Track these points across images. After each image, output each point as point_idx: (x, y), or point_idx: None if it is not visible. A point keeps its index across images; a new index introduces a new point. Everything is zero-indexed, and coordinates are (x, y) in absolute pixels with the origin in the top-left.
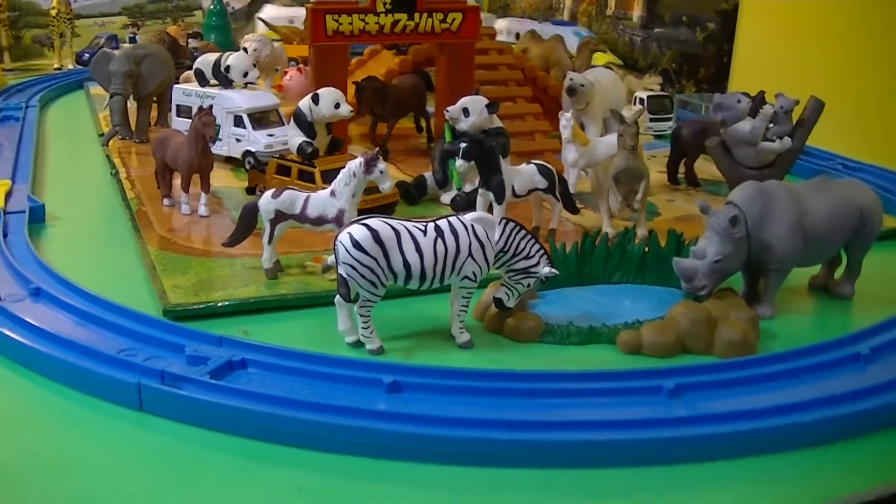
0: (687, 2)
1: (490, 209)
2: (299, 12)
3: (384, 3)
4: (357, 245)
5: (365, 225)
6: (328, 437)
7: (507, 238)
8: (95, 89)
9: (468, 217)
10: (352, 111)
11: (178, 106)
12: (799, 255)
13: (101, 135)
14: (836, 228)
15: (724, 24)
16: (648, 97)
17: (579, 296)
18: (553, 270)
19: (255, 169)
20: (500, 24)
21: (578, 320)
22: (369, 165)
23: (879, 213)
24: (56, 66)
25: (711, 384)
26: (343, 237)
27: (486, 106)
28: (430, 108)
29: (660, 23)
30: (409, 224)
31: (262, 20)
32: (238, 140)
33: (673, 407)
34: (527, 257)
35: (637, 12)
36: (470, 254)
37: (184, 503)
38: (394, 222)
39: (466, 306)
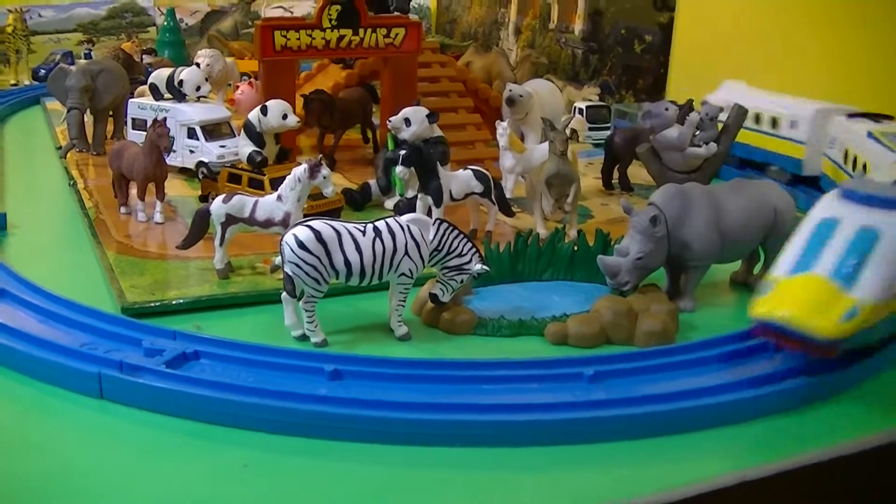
0: (627, 16)
1: (429, 213)
2: None
3: (330, 19)
4: (301, 245)
5: (308, 226)
6: (274, 419)
7: (441, 237)
8: (52, 104)
9: (404, 218)
10: (299, 122)
11: (133, 119)
12: (716, 251)
13: (59, 148)
14: (751, 226)
15: (662, 36)
16: (587, 107)
17: (511, 291)
18: (484, 267)
19: (208, 178)
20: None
21: (509, 314)
22: (313, 171)
23: (792, 212)
24: (12, 81)
25: (630, 371)
26: (288, 238)
27: (427, 116)
28: (376, 120)
29: (600, 36)
30: (349, 225)
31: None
32: (192, 151)
33: (592, 391)
34: (459, 255)
35: (578, 25)
36: (406, 252)
37: (142, 481)
38: (335, 223)
39: (404, 301)
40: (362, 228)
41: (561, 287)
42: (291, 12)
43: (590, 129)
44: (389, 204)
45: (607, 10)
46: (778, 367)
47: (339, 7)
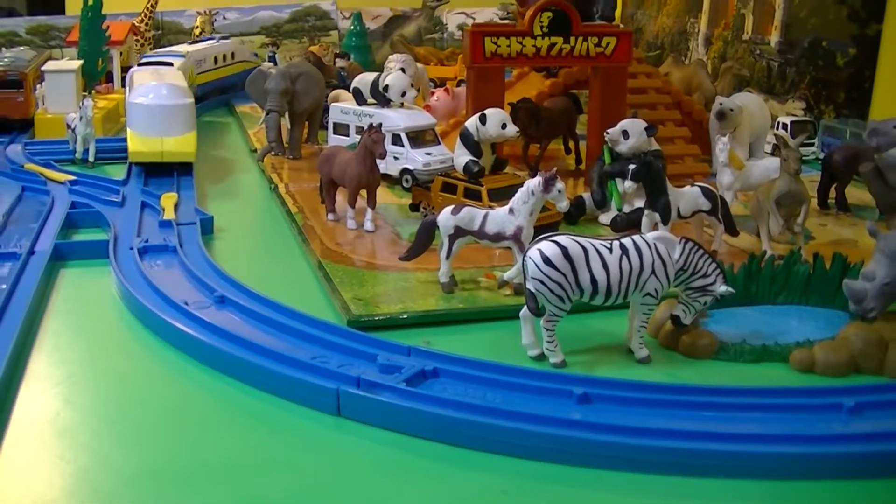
0: (826, 28)
1: (655, 230)
2: None
3: (541, 27)
4: (547, 261)
5: (554, 241)
6: (527, 444)
7: (687, 257)
8: (240, 106)
9: (650, 236)
10: (517, 131)
11: (335, 123)
12: None
13: (254, 150)
14: None
15: (866, 49)
16: (791, 122)
17: (746, 315)
18: (729, 289)
19: (419, 186)
20: None
21: (750, 339)
22: (548, 184)
23: None
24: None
25: (891, 403)
26: (533, 253)
27: (646, 129)
28: (579, 131)
29: (798, 48)
30: (595, 241)
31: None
32: (396, 158)
33: (851, 423)
34: (704, 276)
35: (774, 37)
36: (653, 271)
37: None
38: (581, 239)
39: (647, 322)
40: (609, 245)
41: (797, 311)
42: (473, 18)
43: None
44: (605, 218)
45: (806, 22)
46: None
47: (550, 14)
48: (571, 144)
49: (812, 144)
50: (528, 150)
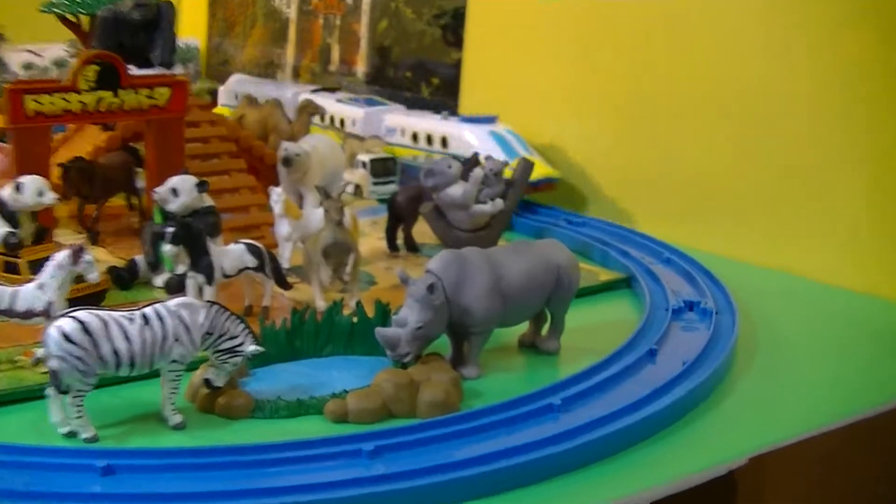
0: (413, 57)
1: (201, 291)
2: None
3: (87, 81)
4: (66, 337)
5: (73, 317)
6: None
7: (212, 320)
8: None
9: (173, 303)
10: (57, 198)
11: None
12: (498, 316)
13: None
14: (533, 288)
15: (450, 79)
16: (371, 160)
17: (289, 370)
18: (258, 348)
19: None
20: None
21: (287, 394)
22: (76, 257)
23: (575, 271)
24: None
25: (410, 443)
26: (52, 331)
27: (196, 185)
28: (141, 184)
29: (385, 79)
30: (116, 313)
31: None
32: None
33: (372, 466)
34: (232, 337)
35: (361, 68)
36: (176, 338)
37: None
38: (102, 313)
39: (176, 389)
40: (130, 316)
41: (341, 362)
42: (41, 56)
43: (374, 183)
44: (159, 281)
45: (393, 49)
46: (561, 429)
47: (96, 67)
48: (134, 200)
49: (393, 182)
50: (84, 211)
